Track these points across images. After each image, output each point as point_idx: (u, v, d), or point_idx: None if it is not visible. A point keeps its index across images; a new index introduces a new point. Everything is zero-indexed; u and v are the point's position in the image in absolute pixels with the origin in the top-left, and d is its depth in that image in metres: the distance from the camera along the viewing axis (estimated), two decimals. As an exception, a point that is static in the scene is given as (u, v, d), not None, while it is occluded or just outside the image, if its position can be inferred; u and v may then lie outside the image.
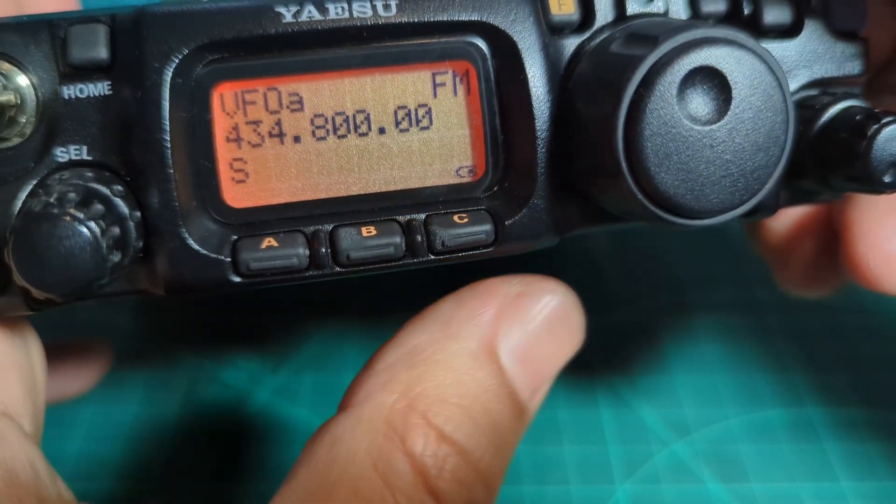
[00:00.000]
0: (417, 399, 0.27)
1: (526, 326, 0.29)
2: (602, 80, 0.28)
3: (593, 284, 0.57)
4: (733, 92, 0.27)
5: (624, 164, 0.27)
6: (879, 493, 0.44)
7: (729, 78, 0.27)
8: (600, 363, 0.51)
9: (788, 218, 0.41)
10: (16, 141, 0.28)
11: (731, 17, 0.32)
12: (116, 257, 0.26)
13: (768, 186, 0.28)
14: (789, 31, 0.33)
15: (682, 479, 0.45)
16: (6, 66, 0.28)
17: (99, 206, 0.26)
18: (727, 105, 0.27)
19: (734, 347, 0.52)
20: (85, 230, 0.25)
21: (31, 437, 0.30)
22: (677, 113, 0.27)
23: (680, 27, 0.27)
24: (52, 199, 0.26)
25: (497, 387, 0.28)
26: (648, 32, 0.28)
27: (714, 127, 0.27)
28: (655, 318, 0.55)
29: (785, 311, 0.55)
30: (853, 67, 0.33)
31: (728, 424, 0.48)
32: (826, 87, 0.33)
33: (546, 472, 0.45)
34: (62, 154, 0.29)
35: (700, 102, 0.27)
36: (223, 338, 0.53)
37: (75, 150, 0.29)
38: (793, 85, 0.33)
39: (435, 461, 0.26)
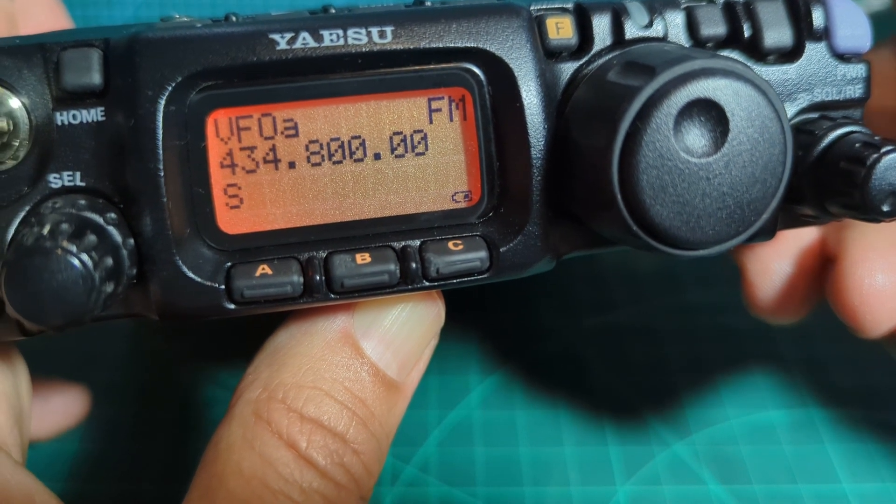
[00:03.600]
0: (276, 389, 0.29)
1: (380, 312, 0.31)
2: (598, 111, 0.28)
3: (593, 284, 0.57)
4: (730, 124, 0.27)
5: (619, 196, 0.27)
6: (881, 494, 0.44)
7: (726, 110, 0.27)
8: (600, 363, 0.51)
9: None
10: (9, 164, 0.28)
11: (731, 40, 0.32)
12: (109, 288, 0.26)
13: (765, 217, 0.28)
14: (790, 55, 0.32)
15: (683, 480, 0.45)
16: (-1, 89, 0.28)
17: (92, 237, 0.26)
18: (724, 137, 0.27)
19: (735, 348, 0.52)
20: (77, 263, 0.25)
21: (21, 465, 0.30)
22: (673, 145, 0.27)
23: (677, 57, 0.27)
24: (44, 232, 0.25)
25: (357, 367, 0.30)
26: (645, 62, 0.27)
27: (711, 159, 0.27)
28: (655, 318, 0.54)
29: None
30: (854, 91, 0.33)
31: (729, 425, 0.48)
32: (827, 111, 0.33)
33: (547, 474, 0.45)
34: (55, 180, 0.28)
35: (697, 134, 0.27)
36: (223, 338, 0.53)
37: (69, 176, 0.28)
38: (793, 109, 0.33)
39: (301, 436, 0.29)
